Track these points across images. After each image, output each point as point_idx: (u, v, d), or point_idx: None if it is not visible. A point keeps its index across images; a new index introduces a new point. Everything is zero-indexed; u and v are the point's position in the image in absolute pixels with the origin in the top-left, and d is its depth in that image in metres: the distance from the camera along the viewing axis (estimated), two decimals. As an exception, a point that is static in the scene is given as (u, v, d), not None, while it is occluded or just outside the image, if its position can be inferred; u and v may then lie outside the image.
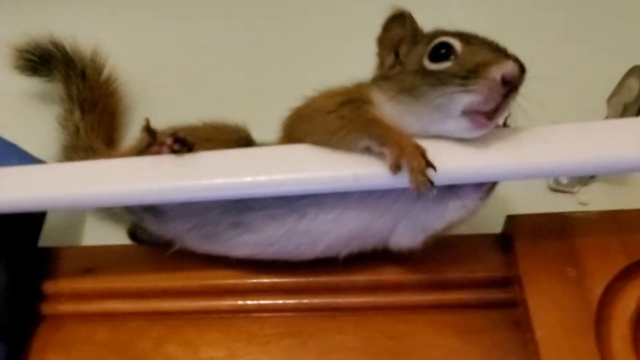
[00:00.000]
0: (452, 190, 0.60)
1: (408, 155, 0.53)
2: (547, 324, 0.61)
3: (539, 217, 0.67)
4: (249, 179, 0.59)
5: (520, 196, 0.76)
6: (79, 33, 0.88)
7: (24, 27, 0.88)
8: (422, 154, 0.54)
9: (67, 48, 0.87)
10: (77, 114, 0.84)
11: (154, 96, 0.90)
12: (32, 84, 0.90)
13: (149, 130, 0.61)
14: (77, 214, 0.78)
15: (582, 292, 0.62)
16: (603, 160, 0.57)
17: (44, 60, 0.88)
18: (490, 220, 0.71)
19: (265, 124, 0.65)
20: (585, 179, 0.77)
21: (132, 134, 0.87)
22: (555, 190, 0.78)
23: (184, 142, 0.60)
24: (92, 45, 0.88)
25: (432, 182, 0.53)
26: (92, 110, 0.85)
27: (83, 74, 0.87)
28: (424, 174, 0.52)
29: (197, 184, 0.59)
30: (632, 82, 0.69)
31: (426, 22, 0.61)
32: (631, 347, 0.59)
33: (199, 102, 0.86)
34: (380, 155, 0.55)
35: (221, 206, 0.63)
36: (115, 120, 0.89)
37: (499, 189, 0.70)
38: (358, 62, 0.62)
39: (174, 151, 0.60)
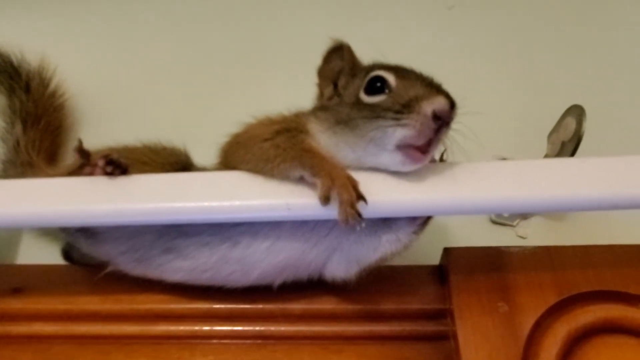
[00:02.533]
0: (386, 223, 0.60)
1: (339, 187, 0.53)
2: (476, 358, 0.61)
3: (475, 250, 0.68)
4: (181, 204, 0.58)
5: (460, 227, 0.77)
6: (25, 45, 0.86)
7: None
8: (354, 186, 0.54)
9: (13, 59, 0.86)
10: (18, 127, 0.81)
11: (100, 112, 0.89)
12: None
13: (81, 151, 0.60)
14: (10, 232, 0.76)
15: (512, 327, 0.62)
16: (538, 199, 0.58)
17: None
18: (429, 251, 0.71)
19: (207, 146, 0.65)
20: (525, 214, 0.78)
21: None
22: (495, 223, 0.79)
23: (117, 164, 0.59)
24: (38, 59, 0.87)
25: (360, 215, 0.53)
26: (34, 125, 0.83)
27: (27, 87, 0.85)
28: (354, 207, 0.52)
29: (128, 208, 0.58)
30: (570, 121, 0.71)
31: (370, 54, 0.63)
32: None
33: (144, 120, 0.85)
34: (313, 186, 0.55)
35: (155, 231, 0.62)
36: (60, 136, 0.87)
37: (439, 219, 0.71)
38: (301, 90, 0.63)
39: (106, 173, 0.59)
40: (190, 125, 0.82)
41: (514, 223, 0.78)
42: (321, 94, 0.62)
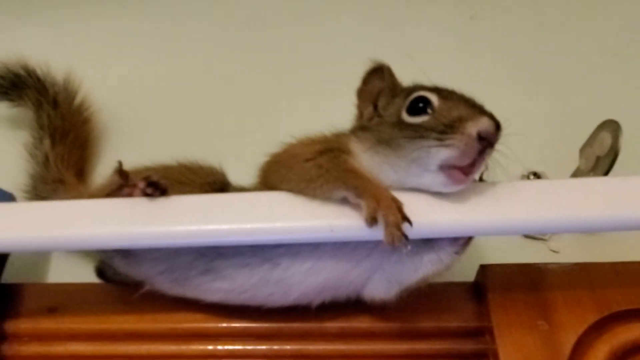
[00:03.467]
0: (427, 243, 0.60)
1: (384, 209, 0.52)
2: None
3: (511, 267, 0.68)
4: (222, 226, 0.58)
5: (492, 241, 0.77)
6: (51, 59, 0.86)
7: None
8: (399, 207, 0.54)
9: (39, 74, 0.85)
10: (47, 142, 0.81)
11: (127, 126, 0.89)
12: (1, 108, 0.88)
13: (121, 172, 0.59)
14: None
15: (553, 346, 0.62)
16: (580, 220, 0.58)
17: (14, 85, 0.85)
18: (463, 266, 0.71)
19: (242, 164, 0.65)
20: None
21: (103, 165, 0.85)
22: (527, 237, 0.78)
23: (157, 185, 0.59)
24: (64, 72, 0.86)
25: (406, 237, 0.52)
26: (63, 139, 0.83)
27: (55, 102, 0.85)
28: (399, 228, 0.52)
29: (169, 230, 0.58)
30: (605, 136, 0.70)
31: (406, 76, 0.62)
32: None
33: (173, 134, 0.85)
34: (356, 207, 0.55)
35: (193, 252, 0.62)
36: (87, 150, 0.86)
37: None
38: (339, 112, 0.62)
39: (146, 194, 0.59)
40: (222, 140, 0.82)
41: (546, 237, 0.78)
42: (360, 115, 0.62)
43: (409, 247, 0.53)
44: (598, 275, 0.66)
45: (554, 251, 0.77)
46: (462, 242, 0.59)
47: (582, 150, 0.75)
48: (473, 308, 0.67)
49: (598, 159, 0.72)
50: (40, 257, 0.76)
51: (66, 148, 0.82)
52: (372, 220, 0.52)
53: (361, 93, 0.62)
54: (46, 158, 0.80)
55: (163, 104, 0.90)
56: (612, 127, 0.70)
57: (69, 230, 0.59)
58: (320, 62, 0.90)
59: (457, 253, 0.59)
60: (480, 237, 0.76)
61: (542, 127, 0.83)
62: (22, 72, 0.85)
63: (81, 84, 0.88)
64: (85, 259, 0.74)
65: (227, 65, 0.93)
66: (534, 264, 0.68)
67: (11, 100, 0.86)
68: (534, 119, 0.83)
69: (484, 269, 0.68)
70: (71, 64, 0.87)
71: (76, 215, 0.59)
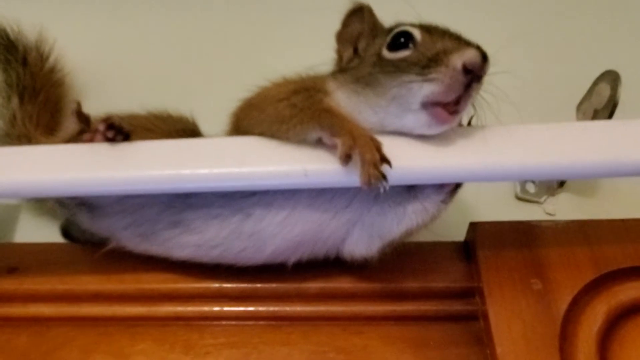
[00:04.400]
0: (411, 192, 0.55)
1: (361, 147, 0.48)
2: (509, 338, 0.56)
3: (503, 225, 0.63)
4: (188, 171, 0.53)
5: (485, 204, 0.72)
6: (23, 19, 0.82)
7: None
8: (377, 146, 0.49)
9: (9, 32, 0.81)
10: (15, 101, 0.77)
11: (101, 87, 0.84)
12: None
13: (80, 114, 0.55)
14: (8, 210, 0.72)
15: (546, 305, 0.57)
16: (573, 164, 0.53)
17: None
18: (452, 228, 0.66)
19: (214, 116, 0.60)
20: (552, 189, 0.74)
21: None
22: (521, 200, 0.74)
23: (119, 129, 0.55)
24: (37, 32, 0.82)
25: (384, 176, 0.48)
26: (32, 99, 0.79)
27: (25, 61, 0.81)
28: (377, 167, 0.48)
29: (132, 175, 0.54)
30: (603, 87, 0.66)
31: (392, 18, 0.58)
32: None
33: (147, 94, 0.80)
34: (332, 148, 0.51)
35: (160, 203, 0.57)
36: (59, 112, 0.82)
37: (463, 196, 0.67)
38: (315, 57, 0.58)
39: (107, 139, 0.55)
40: (196, 96, 0.77)
41: (541, 200, 0.73)
42: (340, 59, 0.58)
43: (387, 187, 0.48)
44: (595, 233, 0.62)
45: (549, 214, 0.73)
46: (449, 189, 0.55)
47: (580, 105, 0.71)
48: (462, 268, 0.63)
49: (596, 112, 0.67)
50: (4, 217, 0.72)
51: (36, 107, 0.78)
52: (346, 157, 0.48)
53: (340, 36, 0.58)
54: (14, 116, 0.76)
55: (136, 64, 0.86)
56: (611, 77, 0.66)
57: (26, 175, 0.55)
58: (302, 6, 0.85)
59: (443, 202, 0.55)
60: (473, 199, 0.73)
61: (543, 80, 0.79)
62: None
63: (54, 45, 0.84)
64: (50, 219, 0.69)
65: (197, 18, 0.89)
66: (528, 221, 0.64)
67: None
68: (535, 73, 0.79)
69: (474, 226, 0.63)
70: (43, 25, 0.84)
71: (34, 161, 0.55)
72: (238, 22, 0.88)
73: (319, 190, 0.55)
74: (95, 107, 0.82)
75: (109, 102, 0.81)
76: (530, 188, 0.74)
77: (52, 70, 0.84)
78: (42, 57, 0.83)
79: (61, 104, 0.84)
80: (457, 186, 0.55)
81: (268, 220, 0.56)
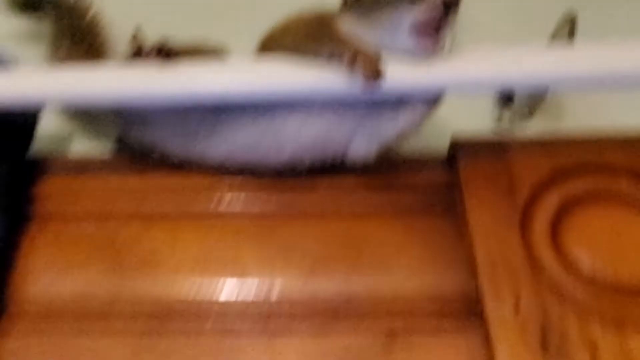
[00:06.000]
0: (402, 103, 0.69)
1: (363, 54, 0.62)
2: (482, 228, 0.70)
3: (480, 138, 0.77)
4: (224, 87, 0.67)
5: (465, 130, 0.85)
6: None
7: None
8: (377, 57, 0.63)
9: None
10: (65, 44, 0.91)
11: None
12: (23, 23, 0.97)
13: (137, 39, 0.68)
14: (66, 129, 0.85)
15: (512, 197, 0.71)
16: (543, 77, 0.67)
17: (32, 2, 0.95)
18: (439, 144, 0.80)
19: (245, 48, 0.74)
20: (525, 112, 0.86)
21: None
22: (498, 123, 0.87)
23: (168, 52, 0.68)
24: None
25: (380, 74, 0.61)
26: (77, 45, 0.92)
27: (70, 15, 0.94)
28: (376, 65, 0.62)
29: (179, 91, 0.67)
30: (563, 26, 0.80)
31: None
32: (549, 240, 0.68)
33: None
34: (340, 61, 0.64)
35: (199, 114, 0.71)
36: (100, 55, 0.96)
37: (446, 118, 0.80)
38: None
39: (159, 59, 0.68)
40: (228, 29, 0.89)
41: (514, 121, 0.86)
42: (345, 3, 0.70)
43: (384, 89, 0.62)
44: (554, 144, 0.75)
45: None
46: (434, 99, 0.68)
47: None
48: (445, 171, 0.76)
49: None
50: (64, 134, 0.85)
51: (81, 51, 0.92)
52: (352, 62, 0.62)
53: None
54: (68, 53, 0.90)
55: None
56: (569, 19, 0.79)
57: (89, 89, 0.68)
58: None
59: (429, 109, 0.69)
60: (455, 124, 0.85)
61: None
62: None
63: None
64: (104, 136, 0.83)
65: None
66: (500, 136, 0.77)
67: (30, 13, 0.96)
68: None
69: (455, 137, 0.76)
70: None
71: (96, 77, 0.69)
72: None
73: (328, 101, 0.69)
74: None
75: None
76: (506, 116, 0.87)
77: (92, 22, 0.97)
78: (84, 10, 0.96)
79: (101, 51, 0.97)
80: (440, 97, 0.69)
81: (288, 126, 0.69)
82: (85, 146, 0.83)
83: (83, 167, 0.78)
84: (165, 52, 0.68)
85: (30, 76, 0.69)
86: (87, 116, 0.84)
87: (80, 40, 0.93)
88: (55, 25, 0.94)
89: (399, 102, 0.69)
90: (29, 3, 0.96)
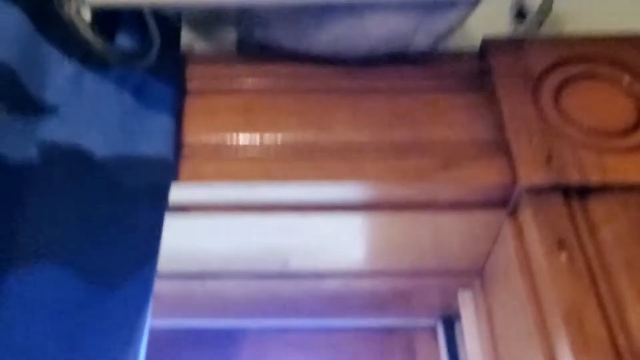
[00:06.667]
0: (452, 4, 0.98)
1: None
2: (506, 95, 0.99)
3: (502, 37, 1.06)
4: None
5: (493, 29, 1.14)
6: None
7: None
8: None
9: None
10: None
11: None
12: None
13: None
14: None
15: (527, 78, 1.00)
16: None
17: None
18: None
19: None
20: (536, 22, 1.15)
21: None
22: (517, 26, 1.15)
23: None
24: None
25: None
26: None
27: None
28: None
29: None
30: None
31: None
32: (553, 104, 0.97)
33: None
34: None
35: (309, 15, 1.00)
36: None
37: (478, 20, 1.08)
38: None
39: (282, -26, 0.96)
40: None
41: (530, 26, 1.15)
42: None
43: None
44: (569, 39, 1.05)
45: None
46: (472, 3, 0.97)
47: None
48: (478, 61, 1.06)
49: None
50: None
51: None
52: None
53: None
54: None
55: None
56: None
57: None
58: None
59: (468, 11, 0.98)
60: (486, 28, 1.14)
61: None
62: None
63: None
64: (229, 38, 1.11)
65: None
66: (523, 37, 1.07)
67: None
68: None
69: (486, 38, 1.06)
70: None
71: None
72: None
73: (401, 5, 0.98)
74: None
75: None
76: (521, 20, 1.16)
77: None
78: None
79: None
80: (475, 3, 0.98)
81: (370, 20, 0.97)
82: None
83: (215, 59, 1.07)
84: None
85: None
86: (211, 23, 1.13)
87: None
88: None
89: (449, 4, 0.98)
90: None
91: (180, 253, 1.03)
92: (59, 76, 0.81)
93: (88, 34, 0.89)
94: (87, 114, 0.81)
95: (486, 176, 0.91)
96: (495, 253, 1.02)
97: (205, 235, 1.01)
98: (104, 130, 0.82)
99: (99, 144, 0.81)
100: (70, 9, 0.89)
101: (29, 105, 0.74)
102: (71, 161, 0.76)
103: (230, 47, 1.09)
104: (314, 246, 1.04)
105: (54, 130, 0.76)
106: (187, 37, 1.10)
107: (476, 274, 1.12)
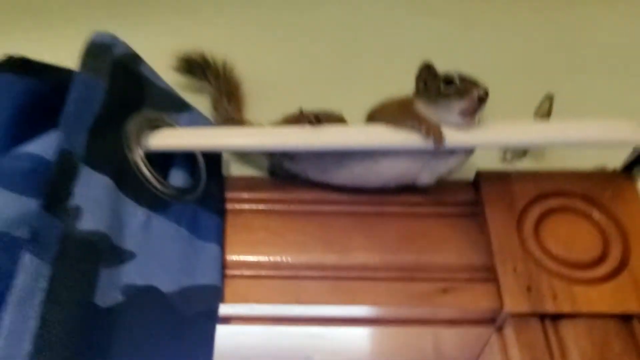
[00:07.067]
0: (452, 152, 1.18)
1: (433, 129, 1.10)
2: (495, 224, 1.19)
3: (494, 170, 1.27)
4: (348, 141, 1.15)
5: (485, 164, 1.35)
6: (214, 47, 1.43)
7: (182, 41, 1.43)
8: (440, 129, 1.12)
9: (208, 58, 1.42)
10: (224, 99, 1.39)
11: (266, 90, 1.45)
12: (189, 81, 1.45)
13: (302, 113, 1.17)
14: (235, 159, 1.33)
15: (512, 209, 1.20)
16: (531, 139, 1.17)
17: (198, 67, 1.42)
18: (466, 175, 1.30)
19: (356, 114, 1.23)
20: (521, 155, 1.36)
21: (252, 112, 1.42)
22: (504, 161, 1.36)
23: (318, 118, 1.16)
24: (223, 56, 1.43)
25: (443, 140, 1.10)
26: (230, 98, 1.40)
27: (217, 74, 1.42)
28: (440, 136, 1.10)
29: (320, 142, 1.15)
30: (545, 103, 1.29)
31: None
32: (534, 235, 1.18)
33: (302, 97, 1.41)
34: (418, 130, 1.13)
35: (332, 155, 1.19)
36: (241, 103, 1.44)
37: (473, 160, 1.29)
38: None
39: (311, 124, 1.16)
40: (338, 104, 1.38)
41: (513, 162, 1.36)
42: (418, 87, 1.19)
43: (445, 146, 1.11)
44: (539, 174, 1.25)
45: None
46: (470, 150, 1.18)
47: (535, 113, 1.34)
48: (473, 191, 1.26)
49: (542, 116, 1.30)
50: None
51: (231, 102, 1.40)
52: (427, 133, 1.10)
53: (418, 76, 1.19)
54: (225, 109, 1.37)
55: (292, 74, 1.47)
56: (549, 97, 1.29)
57: (265, 140, 1.17)
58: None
59: (467, 156, 1.18)
60: (479, 162, 1.34)
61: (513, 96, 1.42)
62: (199, 59, 1.42)
63: (234, 67, 1.44)
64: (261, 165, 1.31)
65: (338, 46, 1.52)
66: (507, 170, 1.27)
67: (197, 76, 1.43)
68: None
69: (479, 171, 1.26)
70: (225, 51, 1.44)
71: (270, 133, 1.17)
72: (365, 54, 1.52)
73: (408, 151, 1.17)
74: (263, 103, 1.44)
75: (273, 101, 1.43)
76: (508, 156, 1.37)
77: (232, 78, 1.45)
78: (229, 72, 1.44)
79: (242, 99, 1.45)
80: (472, 150, 1.18)
81: (384, 164, 1.17)
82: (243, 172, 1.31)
83: (251, 183, 1.26)
84: (316, 118, 1.17)
85: (233, 134, 1.18)
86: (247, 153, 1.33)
87: (229, 93, 1.41)
88: (212, 83, 1.42)
89: (450, 152, 1.18)
90: (190, 69, 1.44)
91: (222, 356, 1.22)
92: (134, 224, 0.99)
93: (150, 176, 1.09)
94: (156, 255, 1.00)
95: (478, 301, 1.11)
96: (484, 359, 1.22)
97: (243, 340, 1.19)
98: (168, 268, 1.01)
99: (166, 281, 0.99)
100: (135, 154, 1.08)
101: (115, 257, 0.93)
102: (146, 299, 0.95)
103: (263, 172, 1.29)
104: (334, 346, 1.23)
105: (132, 274, 0.95)
106: (225, 162, 1.30)
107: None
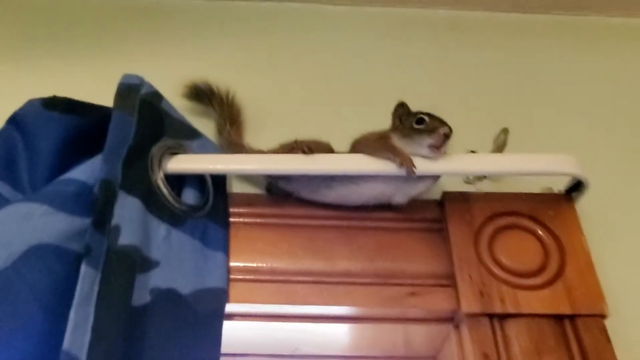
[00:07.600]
0: (421, 178, 1.40)
1: (406, 160, 1.33)
2: (455, 238, 1.42)
3: (459, 192, 1.50)
4: (335, 166, 1.37)
5: (450, 185, 1.58)
6: (216, 77, 1.64)
7: (191, 70, 1.64)
8: (411, 161, 1.34)
9: (213, 88, 1.63)
10: (227, 126, 1.59)
11: (265, 120, 1.66)
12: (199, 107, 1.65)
13: (297, 142, 1.38)
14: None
15: (471, 225, 1.44)
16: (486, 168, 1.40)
17: (204, 95, 1.63)
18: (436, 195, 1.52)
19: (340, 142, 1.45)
20: (481, 178, 1.59)
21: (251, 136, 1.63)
22: (466, 183, 1.59)
23: (310, 149, 1.38)
24: (226, 85, 1.64)
25: (414, 171, 1.33)
26: (232, 123, 1.61)
27: (221, 102, 1.63)
28: (412, 167, 1.32)
29: (311, 167, 1.37)
30: (501, 136, 1.52)
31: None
32: (488, 248, 1.42)
33: (295, 125, 1.62)
34: (393, 160, 1.35)
35: (321, 178, 1.41)
36: (242, 128, 1.64)
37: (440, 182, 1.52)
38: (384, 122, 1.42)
39: (304, 152, 1.38)
40: (326, 131, 1.59)
41: (475, 183, 1.59)
42: (394, 123, 1.41)
43: (416, 175, 1.34)
44: (493, 194, 1.49)
45: (478, 189, 1.59)
46: (437, 176, 1.40)
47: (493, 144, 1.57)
48: (438, 210, 1.49)
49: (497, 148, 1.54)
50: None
51: (234, 127, 1.61)
52: (400, 164, 1.32)
53: (394, 113, 1.40)
54: (229, 134, 1.58)
55: (289, 106, 1.69)
56: (504, 131, 1.52)
57: (265, 165, 1.38)
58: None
59: (434, 181, 1.40)
60: (444, 183, 1.57)
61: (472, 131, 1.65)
62: (205, 87, 1.63)
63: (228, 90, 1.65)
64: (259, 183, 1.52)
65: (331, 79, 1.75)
66: (467, 192, 1.51)
67: (203, 103, 1.64)
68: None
69: (444, 193, 1.49)
70: (227, 80, 1.65)
71: (269, 159, 1.39)
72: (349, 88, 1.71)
73: (385, 176, 1.40)
74: (261, 128, 1.65)
75: (269, 128, 1.64)
76: (471, 177, 1.60)
77: (234, 105, 1.66)
78: (231, 99, 1.65)
79: (243, 124, 1.66)
80: (439, 177, 1.41)
81: (365, 187, 1.38)
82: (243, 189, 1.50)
83: (251, 200, 1.48)
84: (309, 148, 1.38)
85: (238, 160, 1.39)
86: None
87: (232, 120, 1.62)
88: (217, 111, 1.63)
89: (420, 178, 1.40)
90: (197, 96, 1.65)
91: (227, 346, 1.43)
92: (158, 237, 1.21)
93: (169, 195, 1.30)
94: (175, 263, 1.21)
95: (439, 303, 1.34)
96: (444, 352, 1.45)
97: (243, 333, 1.41)
98: (185, 274, 1.22)
99: (184, 284, 1.20)
100: (157, 177, 1.29)
101: (145, 265, 1.14)
102: (169, 299, 1.16)
103: (262, 190, 1.51)
104: (319, 339, 1.46)
105: (157, 279, 1.16)
106: (228, 181, 1.51)
107: None
